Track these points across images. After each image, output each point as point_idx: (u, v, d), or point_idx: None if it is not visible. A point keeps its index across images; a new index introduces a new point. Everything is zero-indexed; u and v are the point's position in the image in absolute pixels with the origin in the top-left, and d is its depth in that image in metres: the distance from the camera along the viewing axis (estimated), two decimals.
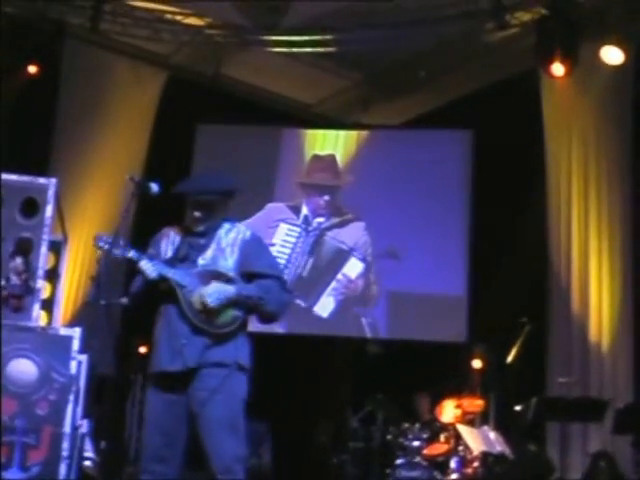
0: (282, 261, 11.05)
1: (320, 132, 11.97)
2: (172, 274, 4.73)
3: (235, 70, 11.48)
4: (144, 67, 11.19)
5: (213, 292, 4.70)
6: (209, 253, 4.84)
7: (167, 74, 11.30)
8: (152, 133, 11.13)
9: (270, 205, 11.50)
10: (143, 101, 11.19)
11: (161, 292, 4.78)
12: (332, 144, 11.80)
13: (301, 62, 11.22)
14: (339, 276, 11.21)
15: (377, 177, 11.39)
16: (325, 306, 11.13)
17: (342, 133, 11.91)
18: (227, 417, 4.63)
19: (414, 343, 10.57)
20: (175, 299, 4.74)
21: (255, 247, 4.92)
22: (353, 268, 11.24)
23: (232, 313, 4.73)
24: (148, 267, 4.71)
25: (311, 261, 11.32)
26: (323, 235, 11.43)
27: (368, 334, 10.98)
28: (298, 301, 11.01)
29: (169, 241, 4.95)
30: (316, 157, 11.72)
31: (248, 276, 4.83)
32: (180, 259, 4.84)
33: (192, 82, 11.31)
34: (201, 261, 4.83)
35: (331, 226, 11.44)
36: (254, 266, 4.84)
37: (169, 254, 4.88)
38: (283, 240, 11.24)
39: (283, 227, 11.43)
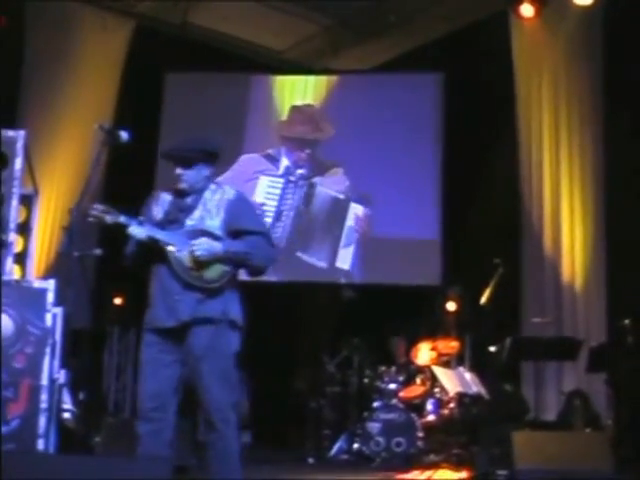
0: (270, 214, 11.08)
1: (289, 78, 11.87)
2: (160, 235, 4.94)
3: (203, 18, 11.34)
4: (110, 16, 11.01)
5: (200, 244, 4.91)
6: (196, 214, 5.05)
7: (134, 23, 11.14)
8: (121, 82, 10.99)
9: (244, 157, 11.36)
10: (110, 50, 11.03)
11: (153, 253, 4.97)
12: (302, 90, 11.70)
13: (269, 8, 11.11)
14: (349, 222, 11.15)
15: (349, 122, 11.31)
16: (345, 258, 11.07)
17: (312, 79, 11.82)
18: (219, 371, 4.90)
19: (389, 287, 10.62)
20: (166, 259, 4.95)
21: (240, 206, 5.11)
22: (357, 211, 11.19)
23: (220, 268, 4.95)
24: (137, 230, 4.90)
25: (307, 212, 11.25)
26: (313, 185, 11.32)
27: (342, 279, 11.03)
28: (314, 261, 11.04)
29: (158, 204, 5.13)
30: (296, 109, 11.59)
31: (235, 234, 5.04)
32: (170, 221, 5.05)
33: (159, 31, 11.17)
34: (189, 222, 5.03)
35: (313, 175, 11.35)
36: (239, 224, 5.05)
37: (159, 217, 5.08)
38: (267, 193, 11.17)
39: (264, 180, 11.31)
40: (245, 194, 5.33)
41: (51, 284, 5.96)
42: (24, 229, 6.74)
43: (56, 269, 9.19)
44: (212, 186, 5.12)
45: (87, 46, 10.82)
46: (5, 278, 6.05)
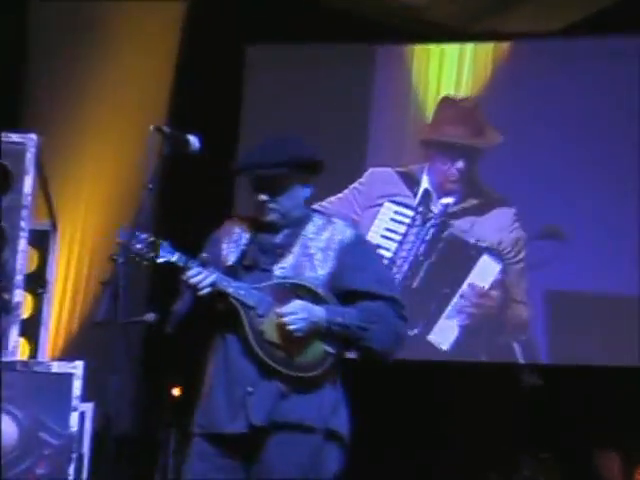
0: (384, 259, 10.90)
1: (435, 48, 11.74)
2: (233, 289, 4.75)
3: None
4: None
5: (297, 311, 4.69)
6: (290, 259, 4.88)
7: None
8: (178, 65, 11.13)
9: (372, 172, 11.34)
10: (160, 21, 11.10)
11: (218, 315, 4.82)
12: (453, 65, 11.57)
13: None
14: (464, 287, 10.93)
15: (523, 114, 11.16)
16: (444, 332, 10.89)
17: (469, 47, 11.70)
18: None
19: (590, 370, 10.29)
20: (238, 326, 4.76)
21: (359, 253, 4.92)
22: (486, 272, 10.96)
23: (320, 348, 4.75)
24: (199, 277, 4.68)
25: (426, 265, 11.08)
26: (448, 226, 11.11)
27: (520, 359, 10.79)
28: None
29: (232, 241, 5.00)
30: (448, 100, 11.48)
31: (345, 295, 4.84)
32: (247, 267, 4.90)
33: None
34: (278, 270, 4.86)
35: (462, 211, 11.15)
36: (356, 281, 4.85)
37: (231, 259, 4.94)
38: (387, 229, 11.14)
39: (389, 208, 11.24)
40: (365, 237, 5.15)
41: (79, 367, 5.97)
42: (36, 283, 6.82)
43: (87, 345, 9.24)
44: (317, 219, 4.98)
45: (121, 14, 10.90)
46: (7, 359, 6.01)
